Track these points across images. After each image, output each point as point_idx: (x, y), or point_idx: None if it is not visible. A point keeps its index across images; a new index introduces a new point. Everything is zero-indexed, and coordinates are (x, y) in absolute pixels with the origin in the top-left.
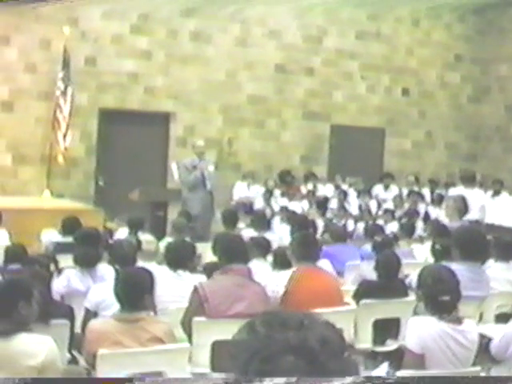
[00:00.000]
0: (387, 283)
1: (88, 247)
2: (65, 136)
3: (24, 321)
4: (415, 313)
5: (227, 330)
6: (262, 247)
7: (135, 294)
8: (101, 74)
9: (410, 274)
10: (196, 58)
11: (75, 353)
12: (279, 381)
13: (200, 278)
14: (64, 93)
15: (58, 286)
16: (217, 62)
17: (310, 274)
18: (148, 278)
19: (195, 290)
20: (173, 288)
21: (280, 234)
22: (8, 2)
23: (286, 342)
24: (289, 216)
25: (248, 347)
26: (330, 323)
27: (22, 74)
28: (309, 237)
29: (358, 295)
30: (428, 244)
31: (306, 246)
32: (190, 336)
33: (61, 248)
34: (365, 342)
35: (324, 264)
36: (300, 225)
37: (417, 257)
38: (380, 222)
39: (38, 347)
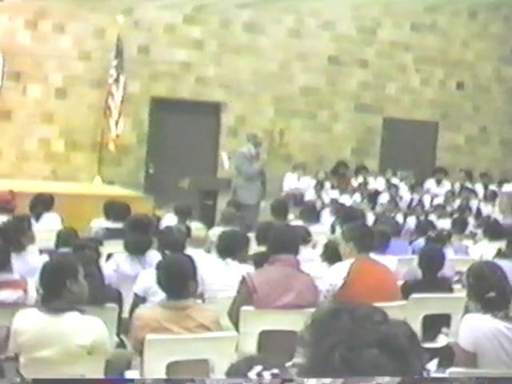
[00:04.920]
0: (430, 279)
1: (139, 234)
2: (117, 123)
3: (75, 299)
4: (467, 310)
5: (275, 321)
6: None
7: (178, 281)
8: (153, 62)
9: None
10: (249, 49)
11: (123, 337)
12: (325, 381)
13: (248, 268)
14: (116, 81)
15: (108, 270)
16: (269, 53)
17: (367, 267)
18: (190, 264)
19: (243, 280)
20: (220, 276)
21: (329, 227)
22: None
23: (375, 335)
24: (336, 208)
25: (334, 333)
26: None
27: (76, 62)
28: (365, 228)
29: (405, 291)
30: (483, 242)
31: (362, 237)
32: (236, 325)
33: (110, 234)
34: None
35: (389, 260)
36: (346, 216)
37: (471, 254)
38: (432, 217)
39: (88, 327)
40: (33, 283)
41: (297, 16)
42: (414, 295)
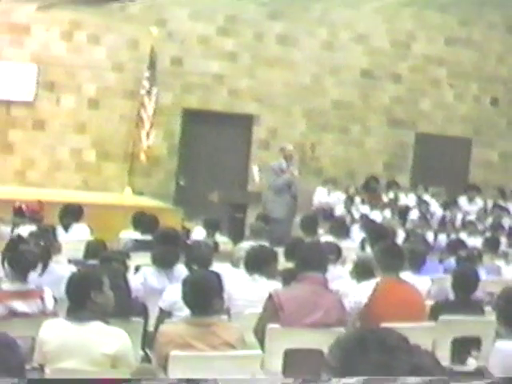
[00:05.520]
0: (463, 300)
1: (167, 247)
2: (148, 134)
3: (99, 309)
4: (497, 334)
5: (301, 339)
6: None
7: (203, 298)
8: (186, 74)
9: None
10: (281, 61)
11: (148, 351)
12: (348, 381)
13: (275, 285)
14: (149, 92)
15: (135, 283)
16: (302, 66)
17: (394, 287)
18: (216, 281)
19: (270, 297)
20: (247, 292)
21: (359, 243)
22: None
23: (408, 366)
24: (366, 224)
25: (365, 365)
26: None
27: (109, 73)
28: (394, 247)
29: (435, 312)
30: None
31: (391, 256)
32: (262, 343)
33: (139, 245)
34: (443, 360)
35: (423, 280)
36: (376, 234)
37: (504, 275)
38: (463, 235)
39: (111, 337)
40: (50, 292)
41: (330, 29)
42: (444, 317)
